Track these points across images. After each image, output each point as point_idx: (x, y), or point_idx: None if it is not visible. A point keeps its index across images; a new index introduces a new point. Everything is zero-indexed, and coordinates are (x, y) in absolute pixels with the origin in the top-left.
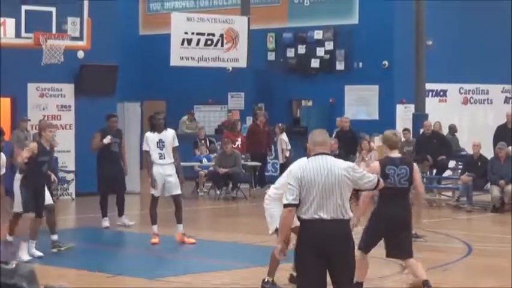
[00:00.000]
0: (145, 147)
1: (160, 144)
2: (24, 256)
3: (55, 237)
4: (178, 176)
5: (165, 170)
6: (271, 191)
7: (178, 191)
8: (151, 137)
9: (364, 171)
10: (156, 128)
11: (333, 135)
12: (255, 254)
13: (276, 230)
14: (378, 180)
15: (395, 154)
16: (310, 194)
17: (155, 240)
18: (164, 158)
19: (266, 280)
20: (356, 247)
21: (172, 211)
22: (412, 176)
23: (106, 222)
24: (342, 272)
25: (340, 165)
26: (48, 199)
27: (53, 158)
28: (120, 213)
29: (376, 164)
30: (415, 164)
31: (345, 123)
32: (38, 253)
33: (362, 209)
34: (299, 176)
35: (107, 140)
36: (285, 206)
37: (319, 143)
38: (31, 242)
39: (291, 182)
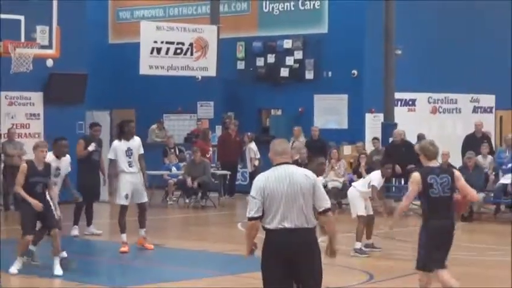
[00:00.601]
0: (111, 156)
1: (129, 152)
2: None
3: (34, 249)
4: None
5: (134, 178)
6: None
7: (145, 199)
8: (119, 145)
9: (324, 192)
10: (125, 135)
11: (291, 144)
12: (224, 263)
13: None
14: (329, 209)
15: (434, 163)
16: (273, 204)
17: (124, 248)
18: (133, 166)
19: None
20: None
21: None
22: (454, 183)
23: (75, 231)
24: (307, 281)
25: (303, 174)
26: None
27: (49, 177)
28: (89, 222)
29: (416, 175)
30: (456, 171)
31: (314, 132)
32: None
33: (400, 212)
34: (262, 186)
35: (91, 147)
36: (249, 219)
37: (279, 152)
38: (18, 258)
39: (253, 194)
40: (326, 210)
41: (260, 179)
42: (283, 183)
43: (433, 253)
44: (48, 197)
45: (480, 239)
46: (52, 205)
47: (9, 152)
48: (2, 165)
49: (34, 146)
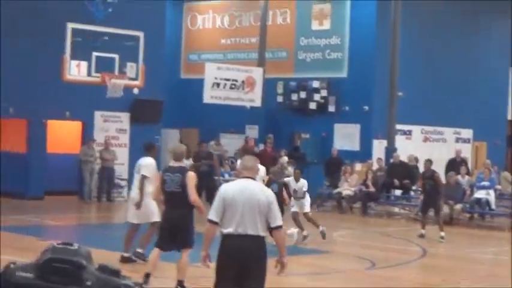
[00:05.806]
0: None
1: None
2: None
3: None
4: None
5: None
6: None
7: None
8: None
9: (278, 211)
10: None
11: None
12: None
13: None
14: (280, 226)
15: None
16: (230, 211)
17: None
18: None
19: None
20: None
21: None
22: None
23: None
24: (251, 282)
25: (262, 191)
26: None
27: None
28: None
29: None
30: None
31: (334, 152)
32: None
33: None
34: (222, 195)
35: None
36: (208, 221)
37: (248, 167)
38: None
39: (216, 200)
40: (277, 227)
41: (223, 189)
42: (243, 194)
43: None
44: None
45: (457, 239)
46: None
47: (105, 157)
48: (99, 166)
49: None
